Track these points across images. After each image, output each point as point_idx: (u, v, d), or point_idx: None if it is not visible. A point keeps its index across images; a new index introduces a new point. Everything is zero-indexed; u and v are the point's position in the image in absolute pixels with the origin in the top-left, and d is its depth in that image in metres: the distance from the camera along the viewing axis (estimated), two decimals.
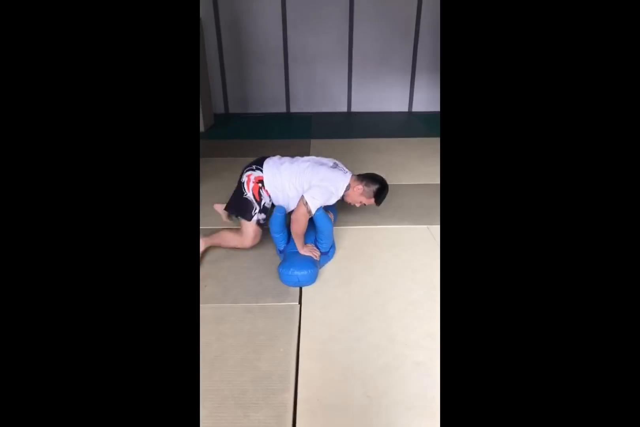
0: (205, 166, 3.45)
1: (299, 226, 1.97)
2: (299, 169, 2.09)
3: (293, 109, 5.96)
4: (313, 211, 1.96)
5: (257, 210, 2.07)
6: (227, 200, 2.22)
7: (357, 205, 2.18)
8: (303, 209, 1.95)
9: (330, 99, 5.91)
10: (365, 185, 2.09)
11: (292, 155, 2.27)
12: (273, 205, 2.16)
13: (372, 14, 5.40)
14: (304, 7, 5.32)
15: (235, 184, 2.16)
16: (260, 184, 2.08)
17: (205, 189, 2.97)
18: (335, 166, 2.15)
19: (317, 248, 2.07)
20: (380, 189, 2.11)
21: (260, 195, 2.08)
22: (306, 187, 2.03)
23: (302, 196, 1.97)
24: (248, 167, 2.14)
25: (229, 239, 2.14)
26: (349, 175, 2.13)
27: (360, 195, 2.10)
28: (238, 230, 2.15)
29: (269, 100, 5.86)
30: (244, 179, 2.10)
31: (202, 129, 4.76)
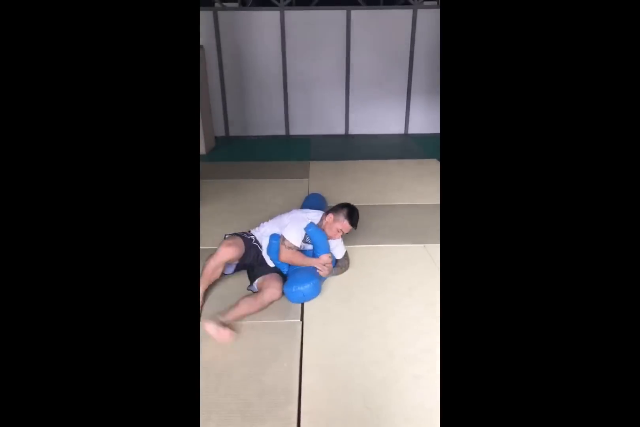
0: (207, 188, 3.54)
1: (293, 260, 2.13)
2: (279, 219, 2.29)
3: (292, 132, 6.10)
4: (293, 242, 2.10)
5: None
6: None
7: (339, 234, 2.26)
8: (283, 247, 2.10)
9: (328, 122, 6.07)
10: (334, 212, 2.26)
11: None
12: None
13: (368, 41, 5.60)
14: (302, 35, 5.53)
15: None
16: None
17: (207, 210, 3.05)
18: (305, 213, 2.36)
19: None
20: (349, 211, 2.25)
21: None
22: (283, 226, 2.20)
23: (281, 236, 2.14)
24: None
25: (250, 303, 1.92)
26: (320, 212, 2.34)
27: (334, 222, 2.22)
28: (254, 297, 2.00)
29: (268, 123, 6.01)
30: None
31: (203, 151, 4.87)
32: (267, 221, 2.33)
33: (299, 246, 2.13)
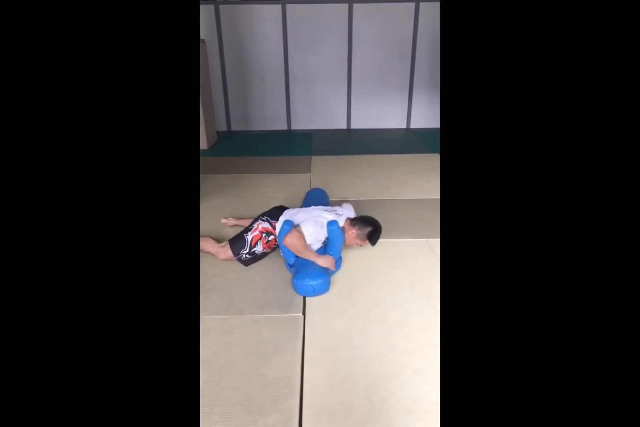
0: (209, 182, 3.54)
1: (297, 246, 2.09)
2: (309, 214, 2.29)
3: (294, 127, 6.09)
4: (304, 233, 2.09)
5: (245, 251, 2.26)
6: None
7: (355, 246, 2.34)
8: (294, 230, 2.10)
9: (330, 116, 6.05)
10: (359, 229, 2.23)
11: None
12: (264, 254, 2.34)
13: (371, 34, 5.57)
14: (304, 28, 5.50)
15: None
16: (262, 235, 2.29)
17: (209, 205, 3.06)
18: (332, 210, 2.34)
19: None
20: (372, 231, 2.24)
21: (256, 244, 2.28)
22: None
23: (297, 225, 2.16)
24: (261, 216, 2.37)
25: (207, 244, 2.38)
26: (343, 217, 2.29)
27: (355, 238, 2.24)
28: (219, 242, 2.40)
29: (270, 118, 6.00)
30: (255, 225, 2.31)
31: (205, 146, 4.86)
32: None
33: (309, 242, 2.11)
